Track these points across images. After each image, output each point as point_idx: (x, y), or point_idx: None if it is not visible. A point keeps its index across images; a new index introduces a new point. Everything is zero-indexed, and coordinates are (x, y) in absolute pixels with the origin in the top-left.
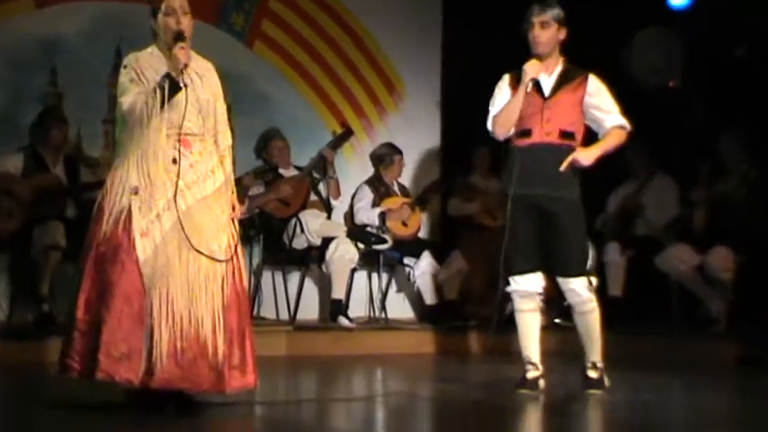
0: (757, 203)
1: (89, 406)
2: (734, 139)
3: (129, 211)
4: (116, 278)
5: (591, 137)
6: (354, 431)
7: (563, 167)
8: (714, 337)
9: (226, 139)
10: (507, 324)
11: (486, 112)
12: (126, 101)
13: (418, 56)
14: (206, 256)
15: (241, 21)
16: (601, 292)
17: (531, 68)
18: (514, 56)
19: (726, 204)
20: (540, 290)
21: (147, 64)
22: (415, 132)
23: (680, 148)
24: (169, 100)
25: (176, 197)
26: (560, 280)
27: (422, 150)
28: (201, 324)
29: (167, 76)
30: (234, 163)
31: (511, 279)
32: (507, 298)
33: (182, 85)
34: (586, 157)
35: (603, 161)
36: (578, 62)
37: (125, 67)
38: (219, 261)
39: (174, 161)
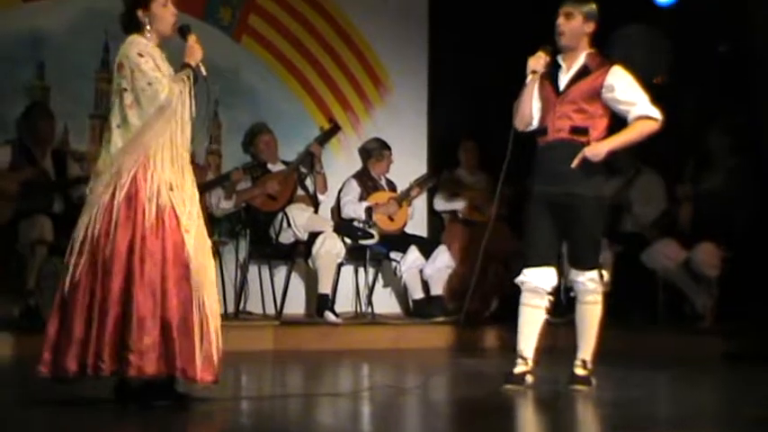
0: (743, 199)
1: (78, 402)
2: (720, 135)
3: (173, 208)
4: (170, 276)
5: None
6: (341, 426)
7: (574, 164)
8: (700, 332)
9: None
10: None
11: (474, 106)
12: (164, 90)
13: (405, 50)
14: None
15: (228, 15)
16: None
17: (533, 61)
18: (502, 50)
19: (711, 200)
20: (550, 288)
21: (156, 54)
22: (402, 127)
23: (667, 143)
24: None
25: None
26: (572, 271)
27: (408, 145)
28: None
29: (189, 67)
30: (220, 157)
31: (522, 272)
32: (492, 293)
33: (204, 74)
34: (595, 153)
35: None
36: None
37: (141, 55)
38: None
39: None
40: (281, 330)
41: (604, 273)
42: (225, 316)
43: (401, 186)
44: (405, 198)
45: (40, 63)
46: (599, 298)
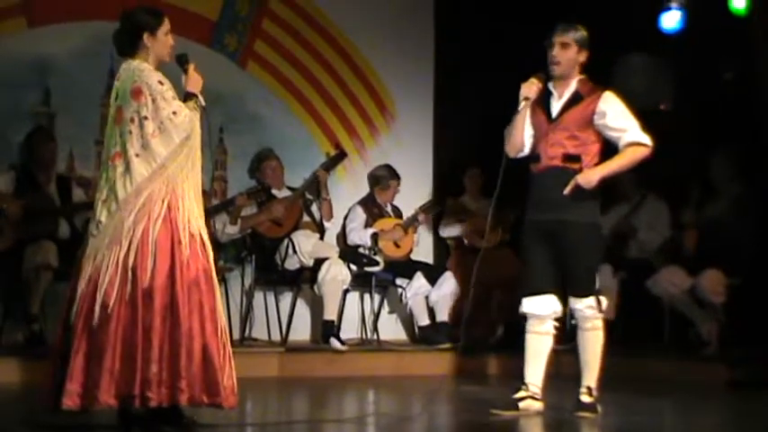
0: (747, 227)
1: (82, 428)
2: (723, 161)
3: (201, 237)
4: (205, 304)
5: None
6: None
7: (566, 191)
8: (705, 359)
9: None
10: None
11: (479, 133)
12: (187, 117)
13: (410, 77)
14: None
15: (234, 42)
16: None
17: (525, 88)
18: (508, 78)
19: (716, 227)
20: (551, 314)
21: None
22: (408, 153)
23: (671, 170)
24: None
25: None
26: (570, 298)
27: (414, 171)
28: None
29: (195, 95)
30: (226, 182)
31: (523, 300)
32: (498, 319)
33: (203, 103)
34: (587, 180)
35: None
36: None
37: (162, 83)
38: None
39: None
40: (287, 357)
41: (603, 299)
42: (230, 342)
43: (407, 213)
44: (410, 224)
45: (45, 89)
46: (598, 324)
